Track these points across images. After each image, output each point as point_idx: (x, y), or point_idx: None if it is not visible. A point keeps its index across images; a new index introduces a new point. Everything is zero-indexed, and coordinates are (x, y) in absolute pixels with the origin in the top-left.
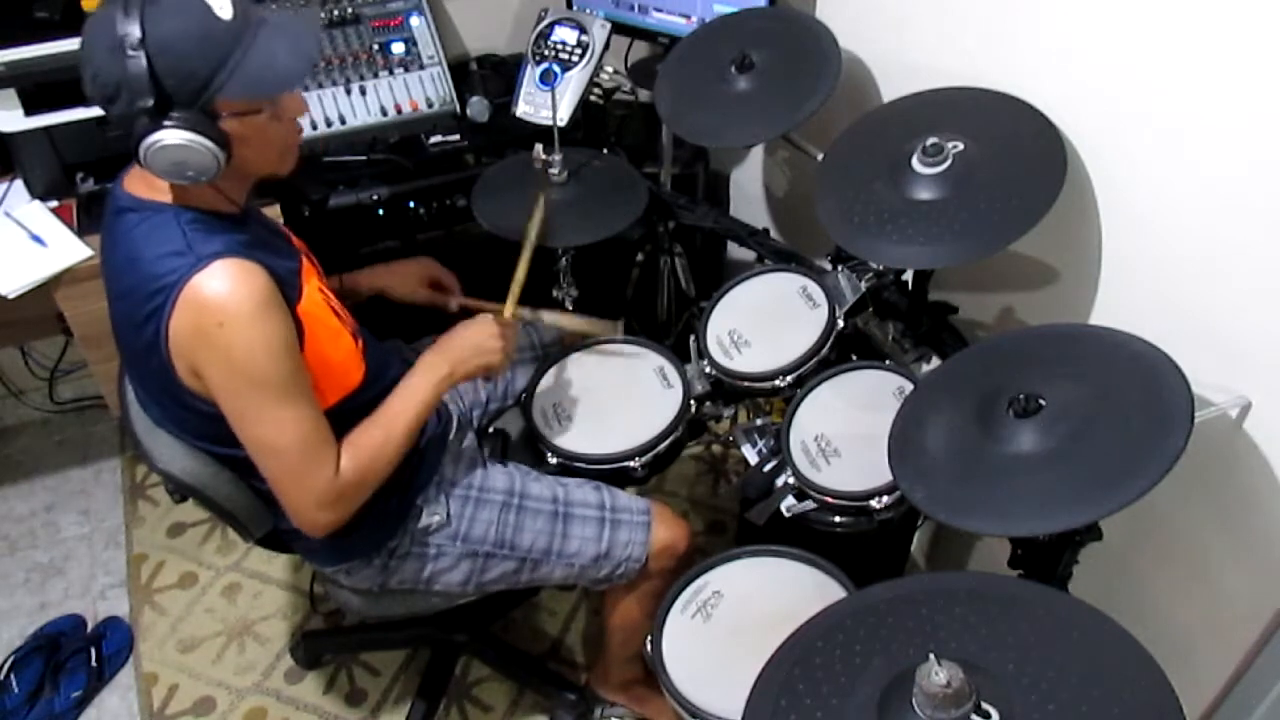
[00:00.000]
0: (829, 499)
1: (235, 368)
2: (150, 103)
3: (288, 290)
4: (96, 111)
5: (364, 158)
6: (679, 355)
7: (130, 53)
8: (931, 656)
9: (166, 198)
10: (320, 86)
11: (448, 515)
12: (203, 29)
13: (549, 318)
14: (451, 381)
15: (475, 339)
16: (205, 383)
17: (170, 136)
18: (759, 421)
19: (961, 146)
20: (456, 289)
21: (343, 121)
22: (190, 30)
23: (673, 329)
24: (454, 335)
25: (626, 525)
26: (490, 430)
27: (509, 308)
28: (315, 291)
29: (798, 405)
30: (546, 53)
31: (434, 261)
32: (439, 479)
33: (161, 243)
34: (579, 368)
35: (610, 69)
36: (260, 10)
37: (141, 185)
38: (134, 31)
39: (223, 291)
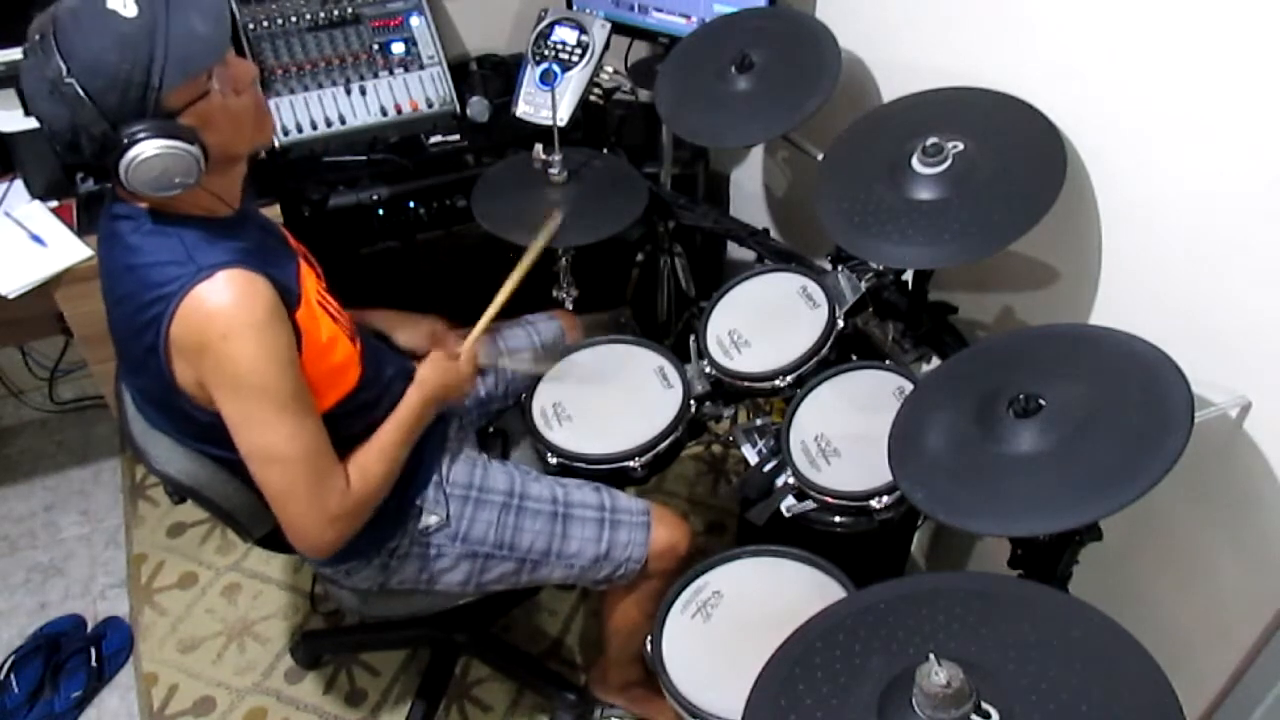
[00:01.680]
0: (829, 499)
1: (239, 380)
2: (106, 126)
3: (287, 297)
4: None
5: (364, 158)
6: (679, 355)
7: (64, 88)
8: (931, 656)
9: (163, 206)
10: (320, 86)
11: (447, 515)
12: (116, 34)
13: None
14: (435, 412)
15: (448, 380)
16: (208, 392)
17: (141, 151)
18: (759, 421)
19: (961, 146)
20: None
21: (343, 121)
22: (106, 42)
23: (673, 329)
24: (435, 377)
25: (626, 526)
26: (490, 430)
27: (475, 333)
28: (313, 296)
29: (798, 405)
30: (546, 53)
31: (441, 322)
32: (438, 479)
33: (159, 251)
34: (579, 368)
35: (610, 69)
36: None
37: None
38: (58, 65)
39: (227, 303)
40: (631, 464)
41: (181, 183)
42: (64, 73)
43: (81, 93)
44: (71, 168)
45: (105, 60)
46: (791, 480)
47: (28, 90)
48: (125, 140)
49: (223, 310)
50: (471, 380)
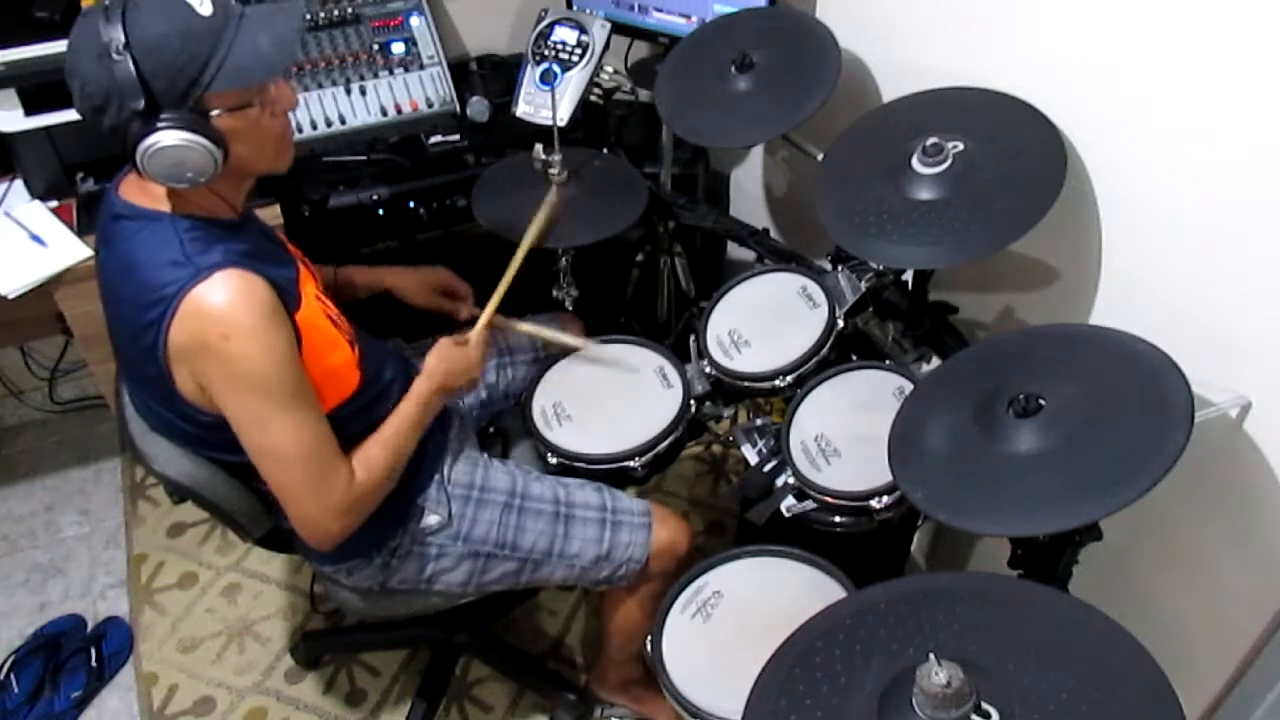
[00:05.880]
0: (829, 499)
1: (242, 379)
2: (141, 104)
3: (287, 299)
4: None
5: (364, 158)
6: (679, 355)
7: (116, 57)
8: (931, 656)
9: (163, 205)
10: (320, 86)
11: (449, 515)
12: (185, 27)
13: (525, 328)
14: (443, 403)
15: (456, 366)
16: (209, 393)
17: (166, 138)
18: (759, 421)
19: (961, 146)
20: (469, 298)
21: (343, 121)
22: (173, 29)
23: (673, 329)
24: (435, 363)
25: (627, 527)
26: (490, 430)
27: (486, 315)
28: (313, 299)
29: (798, 405)
30: (546, 53)
31: (449, 271)
32: (440, 478)
33: (159, 252)
34: (579, 368)
35: (610, 69)
36: (238, 4)
37: (137, 192)
38: (118, 36)
39: (226, 303)
40: (631, 464)
41: (192, 179)
42: (121, 44)
43: (131, 67)
44: (72, 167)
45: (166, 46)
46: (791, 480)
47: (74, 45)
48: (156, 123)
49: (221, 310)
50: (480, 365)
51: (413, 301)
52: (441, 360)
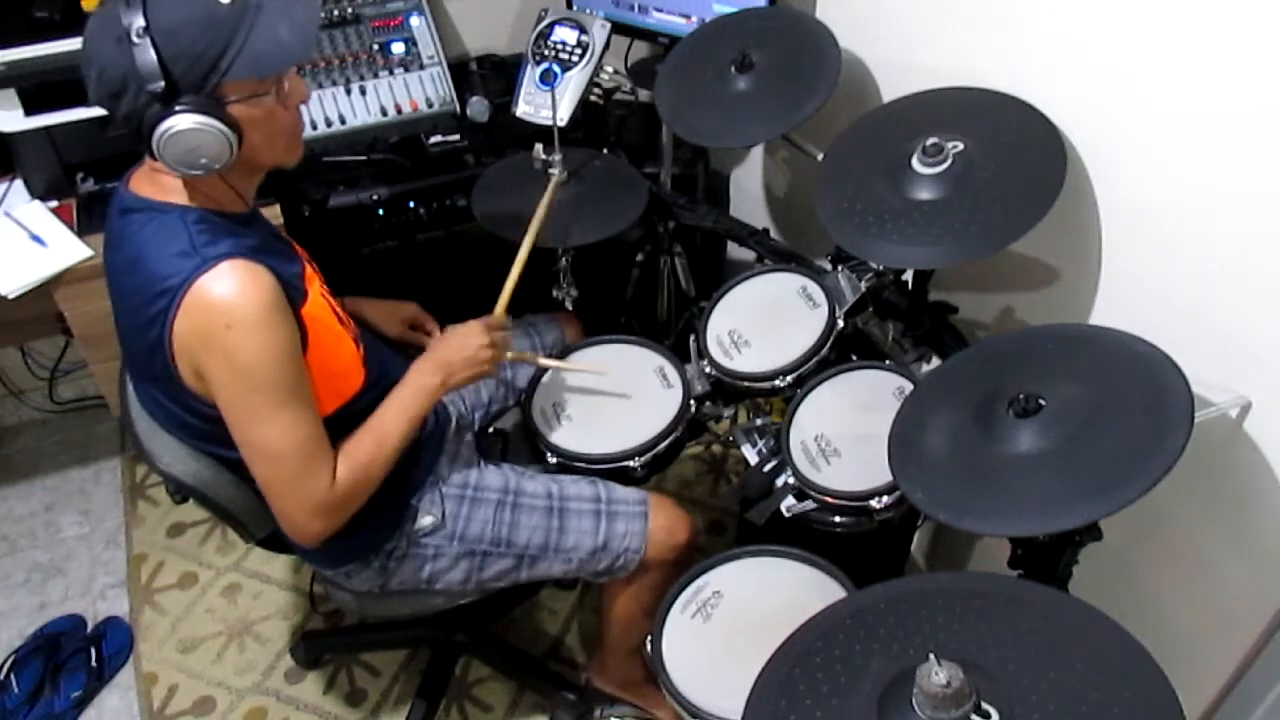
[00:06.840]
0: (829, 499)
1: (239, 371)
2: (160, 87)
3: (293, 293)
4: (97, 111)
5: (364, 158)
6: (679, 355)
7: (136, 41)
8: (931, 656)
9: (173, 198)
10: (320, 86)
11: (443, 515)
12: (206, 13)
13: (544, 362)
14: (444, 391)
15: (466, 349)
16: (208, 384)
17: (182, 121)
18: (759, 421)
19: (961, 146)
20: (435, 329)
21: (343, 121)
22: (194, 15)
23: (673, 329)
24: (445, 343)
25: (623, 516)
26: (490, 430)
27: (500, 308)
28: (319, 296)
29: (798, 405)
30: (546, 53)
31: (417, 305)
32: (434, 479)
33: (167, 244)
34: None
35: (610, 69)
36: None
37: (147, 185)
38: (139, 21)
39: (230, 294)
40: (631, 464)
41: (206, 165)
42: (142, 28)
43: (152, 51)
44: (72, 167)
45: (187, 32)
46: (791, 480)
47: (92, 33)
48: (174, 107)
49: (226, 300)
50: (504, 346)
51: (380, 331)
52: (443, 343)
